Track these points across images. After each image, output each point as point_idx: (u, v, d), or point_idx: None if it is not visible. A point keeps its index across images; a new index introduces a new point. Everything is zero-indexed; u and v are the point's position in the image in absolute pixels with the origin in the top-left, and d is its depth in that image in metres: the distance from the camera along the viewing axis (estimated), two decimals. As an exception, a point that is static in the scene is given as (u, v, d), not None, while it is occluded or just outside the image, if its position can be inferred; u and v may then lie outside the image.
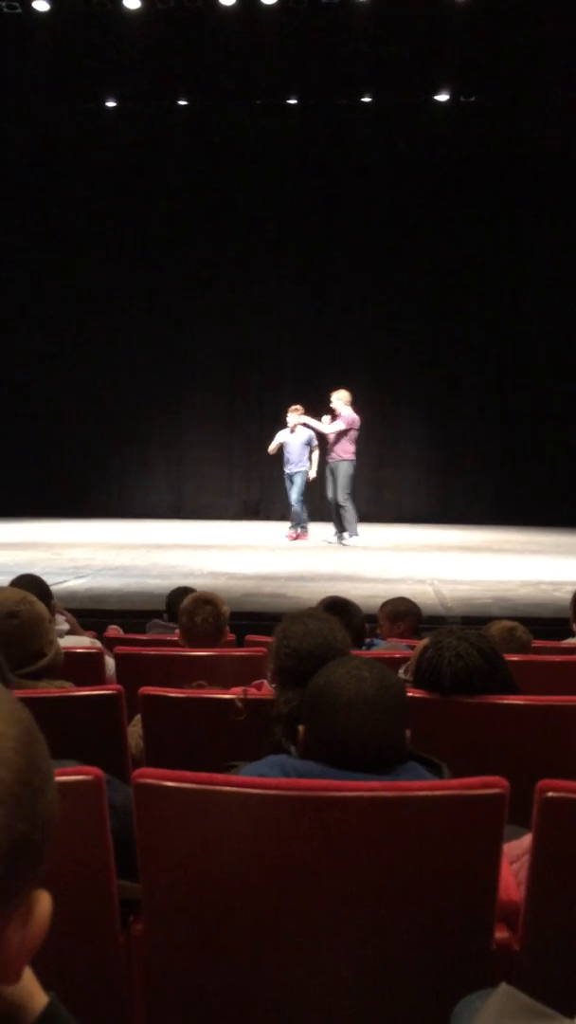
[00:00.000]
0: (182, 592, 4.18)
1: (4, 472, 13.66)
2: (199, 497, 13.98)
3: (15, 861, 0.60)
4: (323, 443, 10.63)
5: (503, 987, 1.10)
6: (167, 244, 13.53)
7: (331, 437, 10.30)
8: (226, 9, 10.47)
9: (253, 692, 2.45)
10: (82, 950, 1.67)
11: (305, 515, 11.03)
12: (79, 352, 13.65)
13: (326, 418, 10.37)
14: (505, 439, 13.46)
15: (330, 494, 10.47)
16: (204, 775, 1.57)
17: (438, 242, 13.26)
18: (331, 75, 11.73)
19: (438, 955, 1.57)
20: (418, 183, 13.14)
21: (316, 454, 10.88)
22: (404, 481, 13.79)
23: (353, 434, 10.23)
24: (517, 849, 1.78)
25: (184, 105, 12.73)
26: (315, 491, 11.29)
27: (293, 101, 12.93)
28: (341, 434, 10.21)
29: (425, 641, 2.45)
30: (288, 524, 11.20)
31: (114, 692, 2.47)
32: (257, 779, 1.60)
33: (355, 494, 10.46)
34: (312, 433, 10.80)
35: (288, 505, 11.15)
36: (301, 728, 1.76)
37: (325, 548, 10.00)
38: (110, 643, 3.63)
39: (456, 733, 2.27)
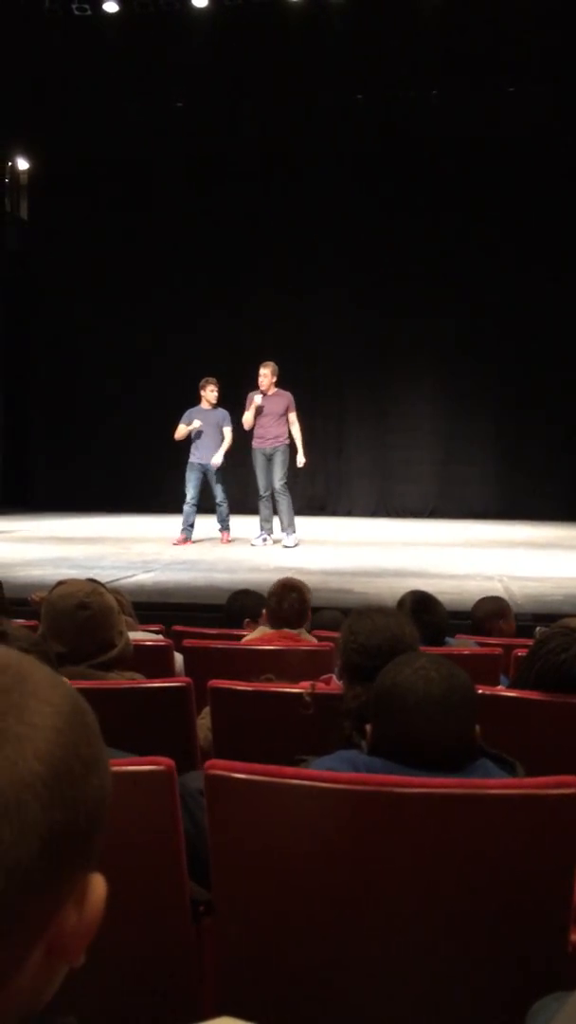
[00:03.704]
0: (242, 595, 4.21)
1: (76, 469, 13.92)
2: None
3: (58, 849, 0.60)
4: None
5: (582, 990, 1.07)
6: (237, 245, 13.56)
7: (268, 420, 9.38)
8: (292, 6, 10.49)
9: (321, 687, 2.45)
10: (154, 940, 1.69)
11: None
12: (152, 354, 13.78)
13: (257, 396, 9.42)
14: (574, 432, 13.18)
15: (263, 485, 9.50)
16: (274, 768, 1.57)
17: (508, 236, 13.03)
18: (398, 70, 11.64)
19: (511, 956, 1.55)
20: (498, 172, 12.94)
21: (228, 440, 9.57)
22: (471, 476, 13.61)
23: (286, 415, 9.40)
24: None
25: (249, 104, 12.74)
26: (240, 483, 10.58)
27: (360, 96, 12.86)
28: (279, 415, 9.40)
29: (531, 642, 2.40)
30: (217, 525, 9.97)
31: (183, 684, 2.49)
32: (327, 773, 1.59)
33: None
34: (226, 413, 9.56)
35: (183, 502, 9.76)
36: (369, 727, 1.75)
37: (391, 544, 9.92)
38: (177, 636, 3.66)
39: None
